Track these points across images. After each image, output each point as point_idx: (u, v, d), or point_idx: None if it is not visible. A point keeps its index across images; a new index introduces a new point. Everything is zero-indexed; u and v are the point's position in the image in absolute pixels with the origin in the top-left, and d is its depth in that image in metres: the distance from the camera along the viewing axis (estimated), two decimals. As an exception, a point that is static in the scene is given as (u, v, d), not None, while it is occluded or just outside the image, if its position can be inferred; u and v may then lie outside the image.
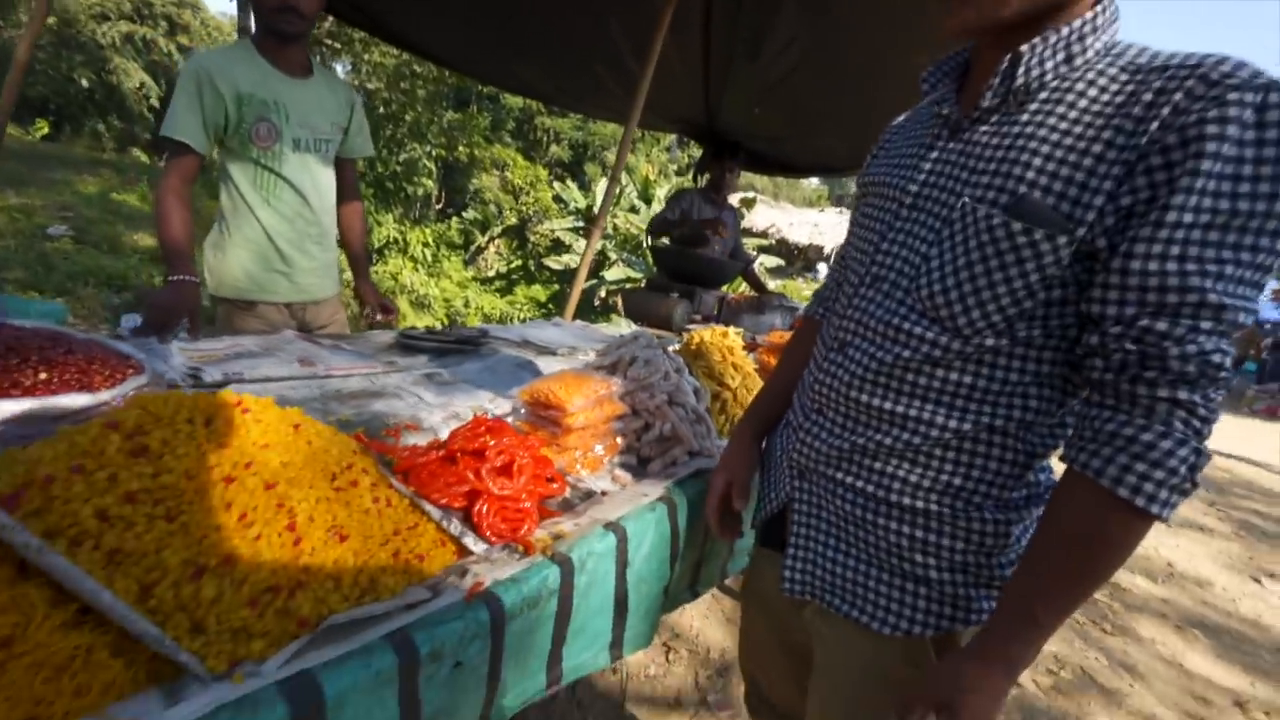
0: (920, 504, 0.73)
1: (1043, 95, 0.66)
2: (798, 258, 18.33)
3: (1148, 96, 0.59)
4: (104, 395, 0.90)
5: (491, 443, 0.85)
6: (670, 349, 1.36)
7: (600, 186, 13.39)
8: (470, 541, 0.77)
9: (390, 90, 11.28)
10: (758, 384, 1.55)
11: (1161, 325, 0.58)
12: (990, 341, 0.68)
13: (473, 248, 14.71)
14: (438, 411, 1.26)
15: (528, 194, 13.87)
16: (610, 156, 19.23)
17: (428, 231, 12.85)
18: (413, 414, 1.21)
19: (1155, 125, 0.58)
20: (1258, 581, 3.22)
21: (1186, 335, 0.57)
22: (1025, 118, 0.66)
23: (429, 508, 0.77)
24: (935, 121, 0.76)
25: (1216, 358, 0.57)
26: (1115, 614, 2.68)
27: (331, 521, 0.67)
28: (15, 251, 5.28)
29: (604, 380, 1.10)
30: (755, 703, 1.16)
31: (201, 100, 1.52)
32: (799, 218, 19.72)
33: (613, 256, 11.58)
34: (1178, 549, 3.48)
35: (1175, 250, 0.56)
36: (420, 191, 12.70)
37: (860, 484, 0.77)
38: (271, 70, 1.61)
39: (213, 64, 1.54)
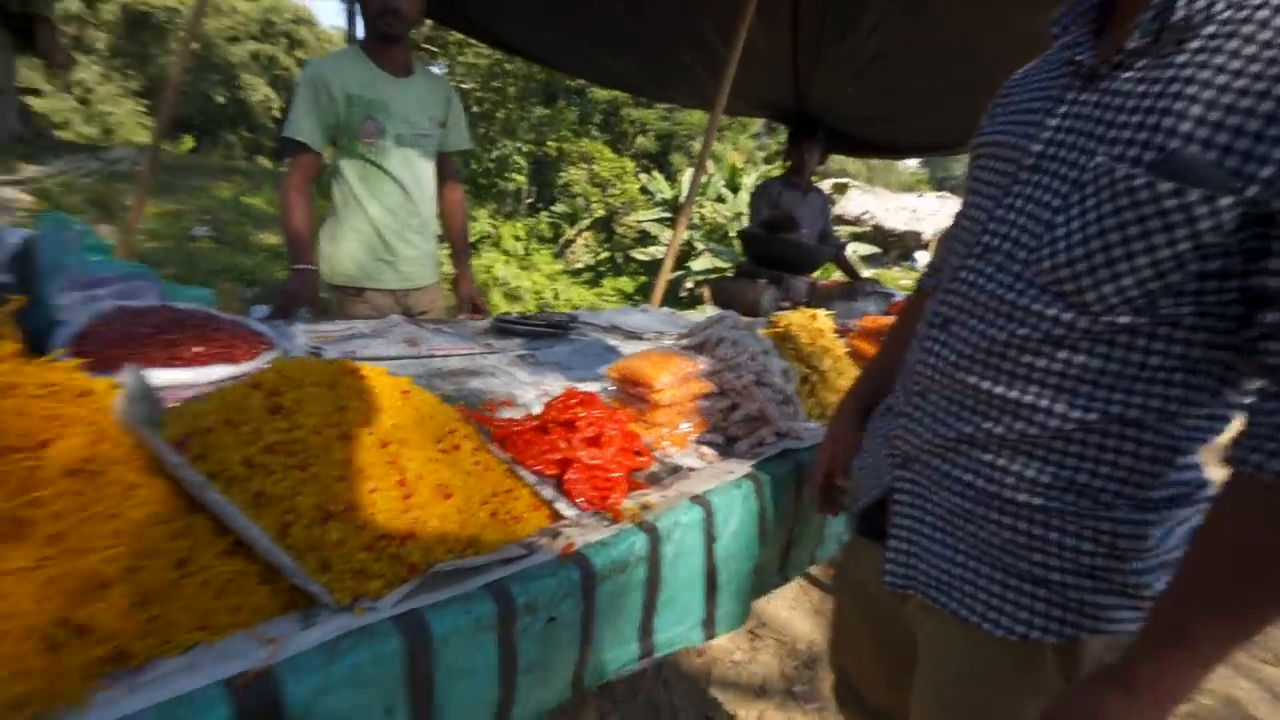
0: (1039, 500, 0.65)
1: (1208, 30, 0.55)
2: (894, 245, 17.47)
3: None
4: (245, 366, 1.02)
5: (582, 414, 0.89)
6: (758, 332, 1.35)
7: (686, 177, 13.35)
8: (562, 506, 0.80)
9: (483, 89, 11.77)
10: (850, 368, 1.50)
11: None
12: (1125, 319, 0.59)
13: (562, 241, 15.11)
14: (530, 389, 1.31)
15: (614, 186, 14.06)
16: (697, 146, 19.11)
17: (519, 226, 13.33)
18: (508, 391, 1.28)
19: None
20: None
21: None
22: (1183, 59, 0.56)
23: (524, 473, 0.82)
24: (1065, 71, 0.67)
25: None
26: (1276, 642, 2.39)
27: (437, 480, 0.72)
28: (168, 251, 5.98)
29: (691, 360, 1.11)
30: (844, 694, 1.10)
31: (318, 103, 1.66)
32: (895, 203, 18.77)
33: (699, 247, 11.51)
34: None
35: None
36: (512, 187, 13.20)
37: (969, 477, 0.70)
38: (377, 71, 1.73)
39: (326, 69, 1.68)
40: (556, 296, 12.42)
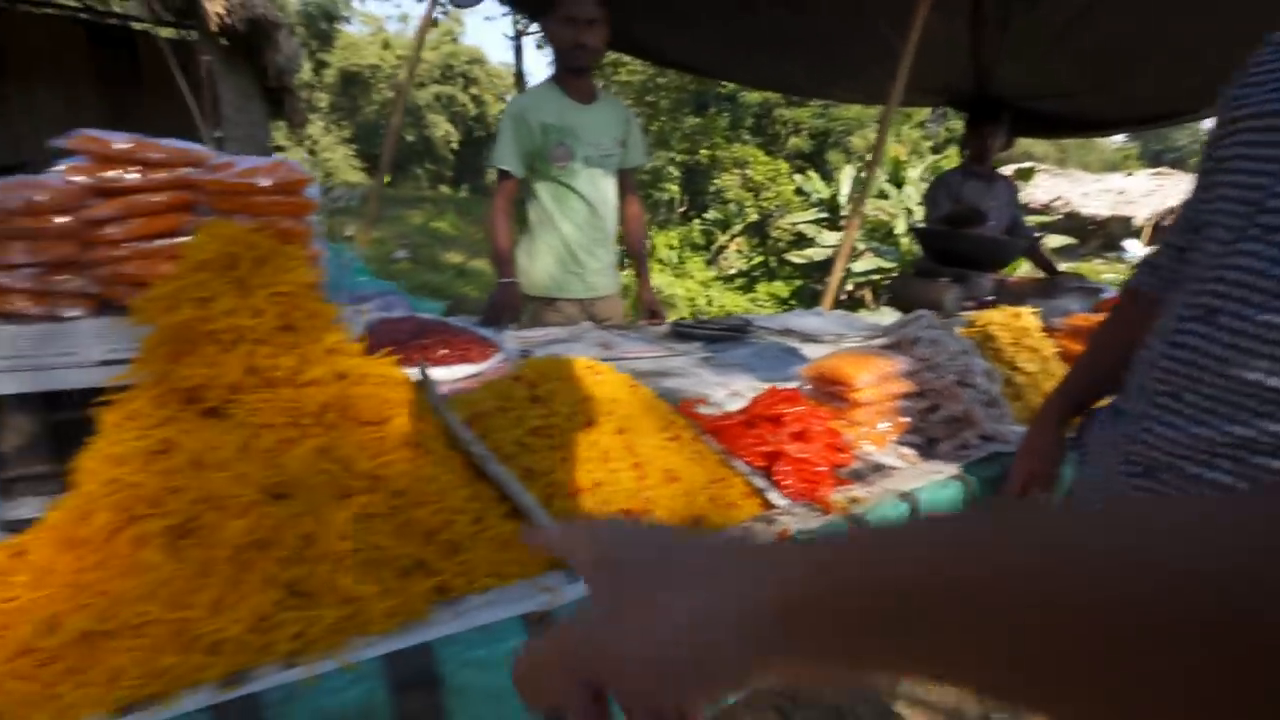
0: None
1: None
2: (1094, 234, 15.29)
3: None
4: (483, 365, 1.19)
5: (787, 410, 0.92)
6: (956, 331, 1.29)
7: (845, 174, 12.80)
8: (774, 497, 0.84)
9: (636, 104, 12.27)
10: (1060, 369, 1.38)
11: None
12: None
13: (714, 247, 15.23)
14: (720, 389, 1.38)
15: (769, 189, 13.89)
16: (855, 141, 18.21)
17: (673, 234, 13.66)
18: (698, 391, 1.35)
19: None
20: None
21: None
22: None
23: (738, 464, 0.87)
24: None
25: None
26: None
27: (665, 465, 0.80)
28: (378, 271, 7.03)
29: (889, 359, 1.10)
30: None
31: (518, 134, 1.88)
32: (1094, 186, 16.44)
33: (860, 247, 10.99)
34: None
35: None
36: (665, 197, 13.59)
37: (1242, 485, 0.64)
38: (567, 100, 1.91)
39: (526, 103, 1.89)
40: (710, 303, 12.52)
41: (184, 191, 0.74)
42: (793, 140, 17.38)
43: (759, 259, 14.33)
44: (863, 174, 12.46)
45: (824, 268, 12.36)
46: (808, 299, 12.61)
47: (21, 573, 0.52)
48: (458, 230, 11.18)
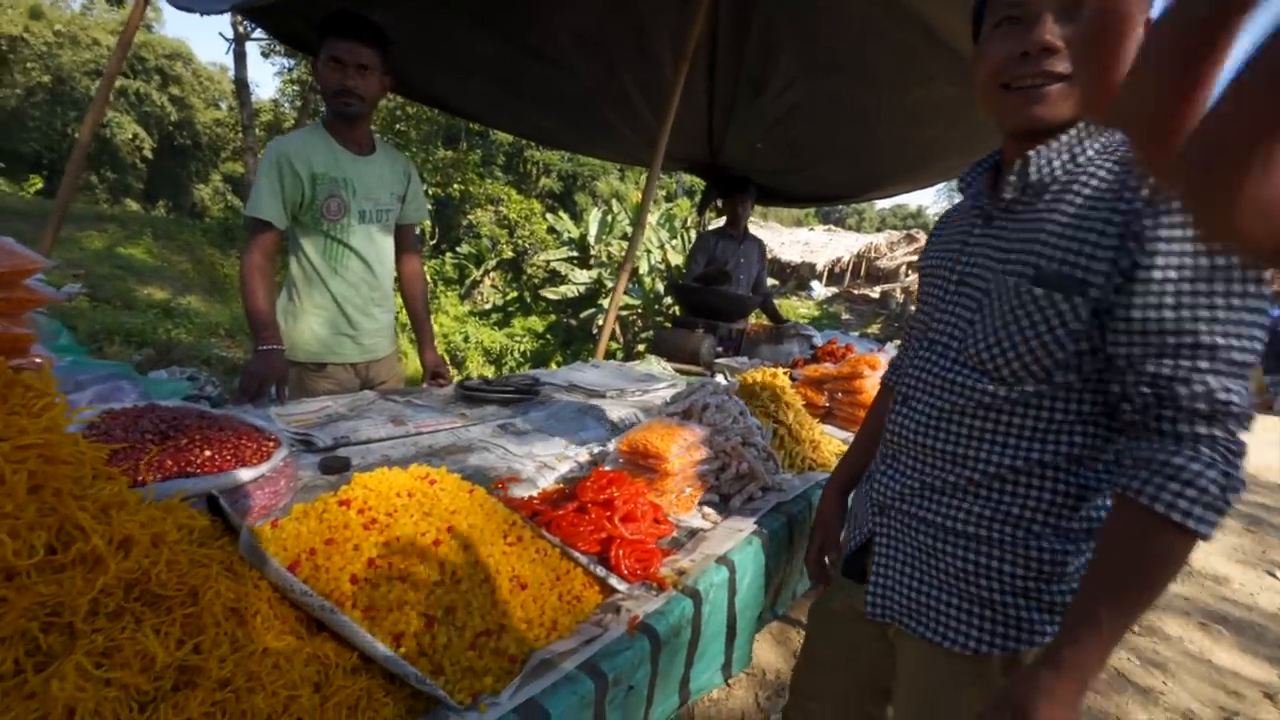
0: (984, 532, 0.82)
1: (1055, 188, 0.80)
2: (790, 276, 18.61)
3: (1132, 183, 0.73)
4: (262, 468, 1.02)
5: (617, 493, 0.97)
6: (726, 387, 1.48)
7: (593, 216, 13.66)
8: (615, 582, 0.88)
9: (384, 133, 11.55)
10: (808, 419, 1.67)
11: (1166, 368, 0.68)
12: (1031, 387, 0.79)
13: (468, 282, 14.91)
14: (528, 462, 1.37)
15: (523, 227, 14.12)
16: (599, 186, 19.55)
17: (425, 268, 13.04)
18: (508, 466, 1.33)
19: (1137, 204, 0.71)
20: (1272, 575, 3.34)
21: (1190, 376, 0.67)
22: (1042, 206, 0.80)
23: (577, 555, 0.89)
24: (973, 214, 0.92)
25: (1223, 395, 0.66)
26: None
27: (511, 573, 0.78)
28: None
29: (691, 429, 1.22)
30: (795, 716, 1.20)
31: (282, 182, 1.66)
32: (789, 237, 20.08)
33: (609, 285, 11.77)
34: (1195, 547, 3.60)
35: (1169, 300, 0.67)
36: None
37: (930, 515, 0.87)
38: (341, 150, 1.75)
39: (291, 148, 1.68)
40: (466, 339, 12.21)
41: None
42: (544, 180, 17.98)
43: (514, 294, 14.44)
44: (608, 217, 13.43)
45: (576, 304, 12.92)
46: (562, 332, 13.04)
47: None
48: (159, 259, 9.12)
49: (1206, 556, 3.49)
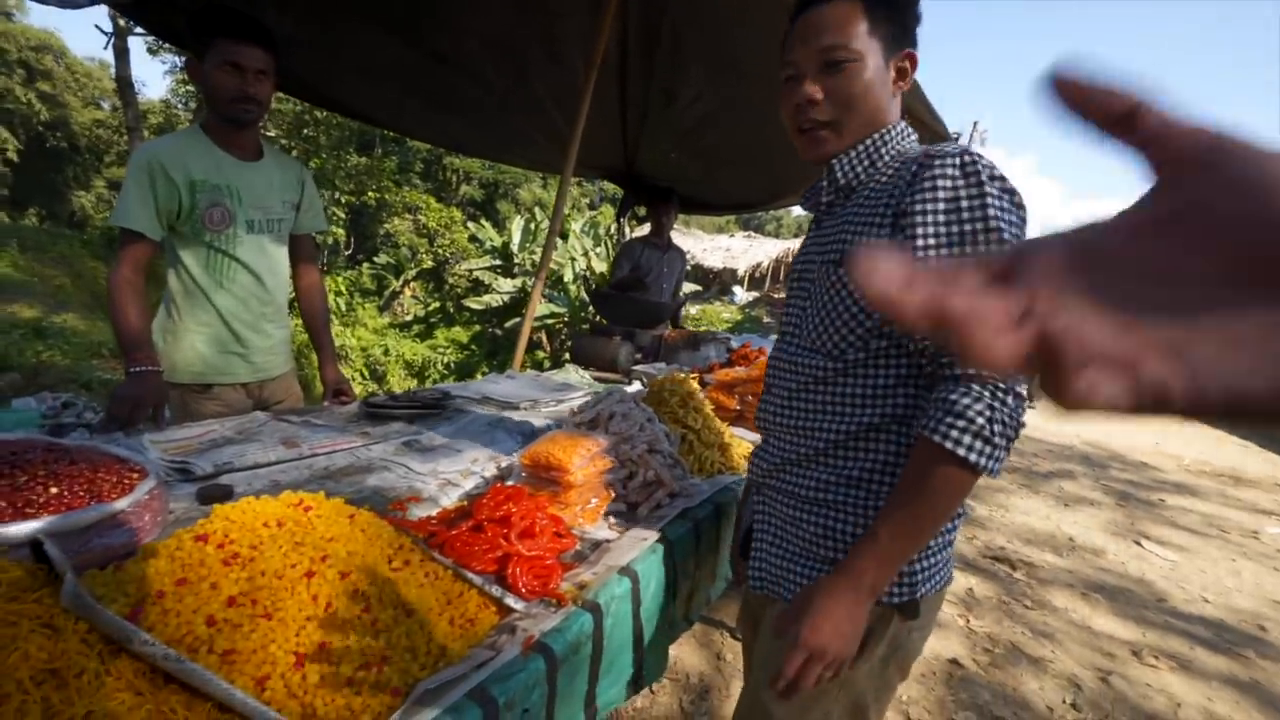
0: (830, 496, 0.92)
1: (861, 190, 0.93)
2: (713, 281, 19.00)
3: (905, 175, 0.84)
4: (121, 504, 0.93)
5: (514, 509, 0.95)
6: (633, 394, 1.49)
7: (516, 224, 13.47)
8: (511, 601, 0.86)
9: (291, 138, 10.95)
10: (717, 424, 1.70)
11: None
12: (852, 356, 0.89)
13: (387, 293, 14.34)
14: (430, 480, 1.32)
15: (443, 236, 13.73)
16: (523, 194, 19.32)
17: (340, 280, 12.44)
18: (409, 485, 1.28)
19: (904, 187, 0.83)
20: (1138, 544, 3.69)
21: None
22: (851, 205, 0.93)
23: (471, 576, 0.86)
24: (811, 220, 1.06)
25: None
26: (1032, 589, 3.01)
27: (397, 599, 0.75)
28: None
29: (594, 439, 1.21)
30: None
31: (154, 189, 1.53)
32: (711, 244, 20.53)
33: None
34: (1075, 524, 3.93)
35: (932, 259, 0.78)
36: (329, 240, 12.31)
37: (790, 486, 0.97)
38: (224, 155, 1.64)
39: (164, 152, 1.56)
40: (387, 352, 11.75)
41: None
42: (464, 188, 17.57)
43: (436, 305, 14.02)
44: (531, 225, 13.29)
45: (501, 313, 12.70)
46: (487, 342, 12.76)
47: None
48: (28, 273, 8.19)
49: (1086, 531, 3.82)
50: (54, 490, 0.91)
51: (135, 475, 1.02)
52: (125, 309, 1.51)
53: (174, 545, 0.65)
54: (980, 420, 0.74)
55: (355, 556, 0.75)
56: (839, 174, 0.94)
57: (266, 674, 0.61)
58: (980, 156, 0.80)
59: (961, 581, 3.03)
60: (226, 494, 1.16)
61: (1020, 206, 0.79)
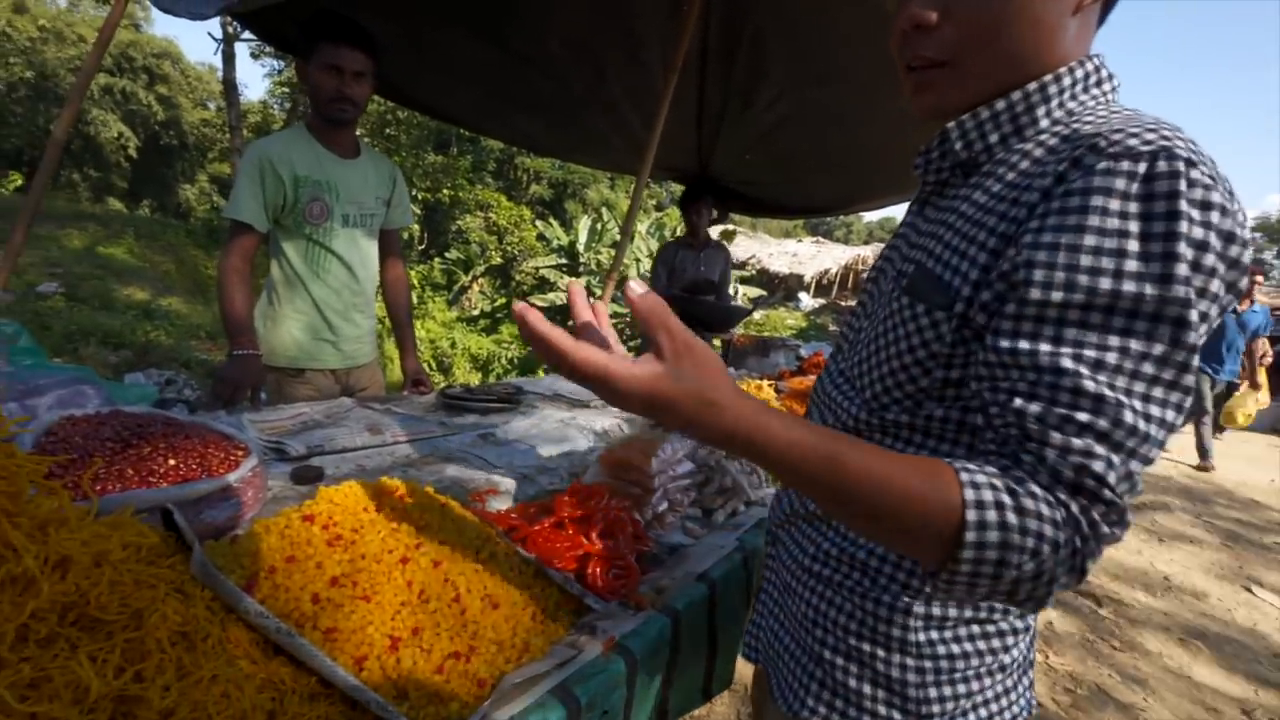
0: (828, 571, 0.71)
1: (986, 167, 0.61)
2: (778, 287, 18.70)
3: (1055, 168, 0.52)
4: (230, 478, 0.98)
5: (594, 508, 0.95)
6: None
7: (583, 224, 13.68)
8: (591, 600, 0.86)
9: (374, 137, 11.50)
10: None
11: (1034, 408, 0.47)
12: (893, 415, 0.64)
13: (456, 287, 14.84)
14: (508, 474, 1.35)
15: (512, 234, 14.09)
16: (590, 194, 19.59)
17: (412, 273, 12.97)
18: (487, 478, 1.30)
19: (1038, 195, 0.52)
20: (1249, 590, 3.37)
21: (1062, 424, 0.46)
22: (962, 191, 0.62)
23: (551, 572, 0.86)
24: (918, 198, 0.73)
25: (1099, 466, 0.45)
26: (1121, 629, 2.80)
27: (484, 591, 0.76)
28: (10, 311, 5.27)
29: (674, 443, 1.20)
30: None
31: (263, 184, 1.63)
32: (777, 248, 20.21)
33: (599, 293, 11.78)
34: (1173, 562, 3.63)
35: (1048, 330, 0.48)
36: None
37: (791, 546, 0.78)
38: (325, 153, 1.73)
39: (273, 150, 1.65)
40: (453, 345, 12.14)
41: None
42: (534, 188, 17.98)
43: (502, 300, 14.39)
44: (598, 225, 13.44)
45: (565, 312, 12.90)
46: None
47: None
48: (141, 259, 8.96)
49: (1186, 572, 3.52)
50: (171, 462, 0.97)
51: (240, 452, 1.07)
52: (233, 295, 1.61)
53: (283, 523, 0.68)
54: (1031, 541, 0.45)
55: (446, 546, 0.76)
56: (956, 143, 0.62)
57: (364, 654, 0.63)
58: (1187, 160, 0.46)
59: (1040, 614, 2.85)
60: (318, 475, 1.21)
61: (1238, 258, 0.47)
